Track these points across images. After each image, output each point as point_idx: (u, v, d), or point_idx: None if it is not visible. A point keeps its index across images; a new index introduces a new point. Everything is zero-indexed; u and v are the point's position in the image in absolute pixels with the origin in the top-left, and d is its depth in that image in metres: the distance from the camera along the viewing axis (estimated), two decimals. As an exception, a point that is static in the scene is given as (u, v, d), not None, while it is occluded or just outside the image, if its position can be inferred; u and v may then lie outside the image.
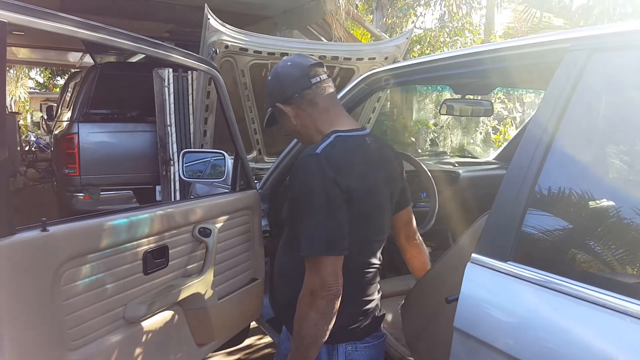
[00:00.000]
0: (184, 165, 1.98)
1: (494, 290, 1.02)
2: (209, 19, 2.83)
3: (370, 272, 1.26)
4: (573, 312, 0.89)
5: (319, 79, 1.24)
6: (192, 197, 3.08)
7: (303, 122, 1.26)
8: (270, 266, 1.99)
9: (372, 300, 1.28)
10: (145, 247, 1.36)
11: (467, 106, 2.07)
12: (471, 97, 2.14)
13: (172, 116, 4.59)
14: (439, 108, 2.22)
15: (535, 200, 1.01)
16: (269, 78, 1.28)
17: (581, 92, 0.98)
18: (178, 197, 4.58)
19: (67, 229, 1.14)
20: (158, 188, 4.76)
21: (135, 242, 1.32)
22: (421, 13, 7.68)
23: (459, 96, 2.02)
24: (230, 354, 2.73)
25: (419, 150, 5.35)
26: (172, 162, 4.62)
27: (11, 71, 14.73)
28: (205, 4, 2.83)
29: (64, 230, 1.12)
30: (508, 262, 0.99)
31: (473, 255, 1.07)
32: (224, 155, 2.02)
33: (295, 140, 1.93)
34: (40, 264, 1.06)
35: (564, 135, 0.98)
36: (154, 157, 4.72)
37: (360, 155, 1.20)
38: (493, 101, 2.21)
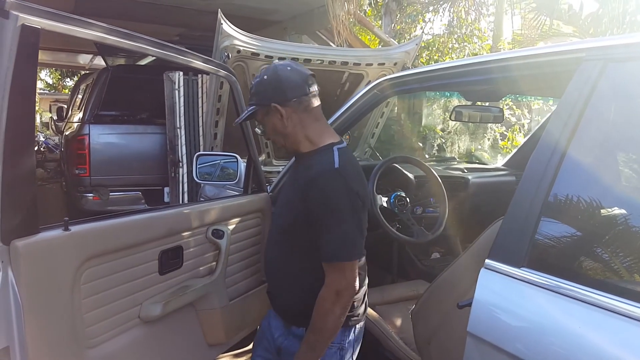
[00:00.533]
0: (197, 167, 2.00)
1: (507, 295, 1.03)
2: (221, 24, 2.86)
3: (363, 261, 1.44)
4: (586, 318, 0.90)
5: (314, 89, 1.33)
6: (201, 199, 3.11)
7: (294, 126, 1.33)
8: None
9: (366, 284, 1.47)
10: (161, 248, 1.39)
11: (478, 113, 2.09)
12: (480, 103, 2.15)
13: (182, 119, 4.64)
14: (449, 114, 2.24)
15: (549, 207, 1.02)
16: (265, 77, 1.33)
17: (596, 101, 0.99)
18: (186, 199, 4.62)
19: (88, 229, 1.16)
20: (166, 189, 4.81)
21: (152, 243, 1.35)
22: (430, 19, 7.71)
23: (469, 103, 2.04)
24: (236, 356, 2.74)
25: (427, 156, 5.36)
26: (181, 164, 4.66)
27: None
28: (219, 10, 2.87)
29: (85, 230, 1.15)
30: (522, 268, 1.01)
31: (487, 261, 1.08)
32: (236, 158, 2.04)
33: None
34: (62, 262, 1.09)
35: (578, 143, 1.00)
36: (163, 159, 4.77)
37: (357, 166, 1.36)
38: (501, 108, 2.22)
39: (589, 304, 0.90)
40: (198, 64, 1.50)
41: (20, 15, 0.93)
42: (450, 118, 1.96)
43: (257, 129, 1.48)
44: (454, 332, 1.32)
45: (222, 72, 1.68)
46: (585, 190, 1.01)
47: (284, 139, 1.35)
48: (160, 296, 1.39)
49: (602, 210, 1.00)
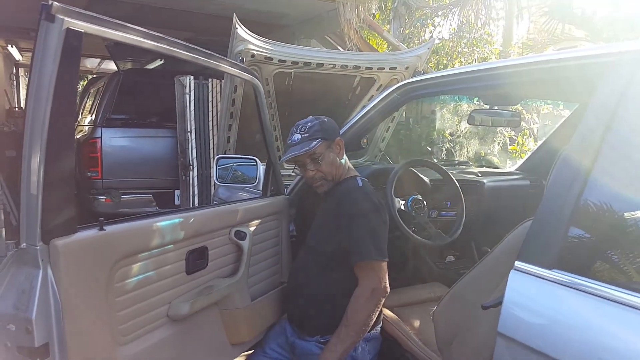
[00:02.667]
0: (217, 169, 2.03)
1: (539, 296, 1.03)
2: (236, 28, 2.88)
3: None
4: (618, 318, 0.91)
5: None
6: (215, 201, 3.13)
7: (342, 157, 1.65)
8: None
9: None
10: (188, 248, 1.41)
11: (494, 117, 2.09)
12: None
13: (193, 122, 4.68)
14: (467, 118, 2.25)
15: (580, 209, 1.02)
16: (325, 120, 1.62)
17: (627, 105, 1.00)
18: (197, 202, 4.65)
19: (122, 229, 1.18)
20: (177, 192, 4.84)
21: (180, 243, 1.37)
22: (439, 23, 7.73)
23: (486, 106, 2.04)
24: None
25: (435, 160, 5.36)
26: (191, 167, 4.70)
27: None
28: (234, 14, 2.89)
29: (119, 230, 1.17)
30: (553, 270, 1.01)
31: (516, 263, 1.09)
32: (256, 161, 2.06)
33: None
34: (98, 261, 1.11)
35: (609, 146, 1.01)
36: (174, 162, 4.81)
37: (375, 192, 1.65)
38: (519, 112, 2.22)
39: (620, 303, 0.90)
40: (225, 67, 1.53)
41: (66, 19, 0.95)
42: (468, 122, 1.97)
43: (293, 172, 1.83)
44: (478, 333, 1.32)
45: (247, 76, 1.71)
46: (616, 193, 1.02)
47: (336, 170, 1.61)
48: (187, 295, 1.41)
49: (632, 212, 1.01)
